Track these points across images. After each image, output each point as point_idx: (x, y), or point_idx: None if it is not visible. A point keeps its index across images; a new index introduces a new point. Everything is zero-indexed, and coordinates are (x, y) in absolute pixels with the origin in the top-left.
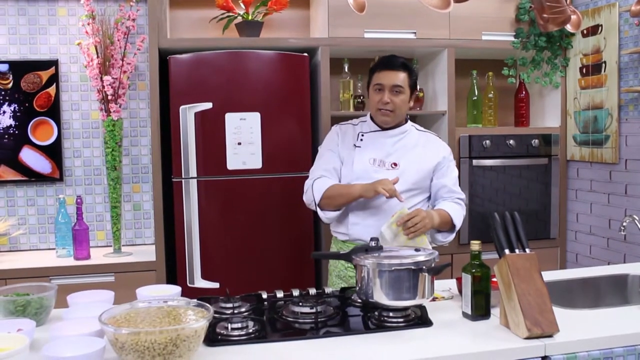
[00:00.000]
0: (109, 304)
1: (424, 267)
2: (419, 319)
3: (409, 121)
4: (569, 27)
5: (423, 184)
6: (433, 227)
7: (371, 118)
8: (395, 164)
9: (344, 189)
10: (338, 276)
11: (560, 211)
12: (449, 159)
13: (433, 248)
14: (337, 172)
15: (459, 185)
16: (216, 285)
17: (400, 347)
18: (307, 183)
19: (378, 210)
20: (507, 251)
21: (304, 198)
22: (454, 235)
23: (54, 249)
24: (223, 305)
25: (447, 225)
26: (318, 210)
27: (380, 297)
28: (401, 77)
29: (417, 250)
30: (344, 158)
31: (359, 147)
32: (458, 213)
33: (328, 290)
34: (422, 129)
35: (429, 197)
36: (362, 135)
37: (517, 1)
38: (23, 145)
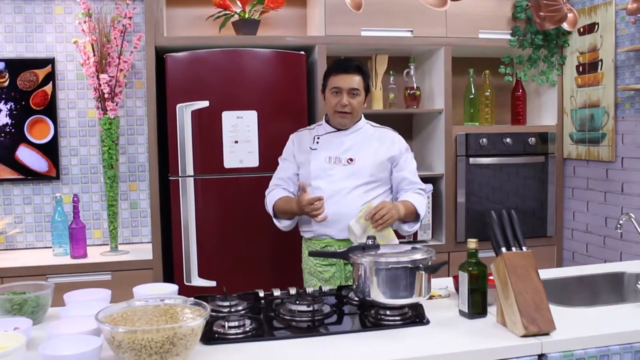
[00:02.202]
0: (105, 302)
1: (420, 265)
2: (416, 317)
3: (362, 118)
4: (565, 26)
5: (381, 175)
6: (399, 218)
7: (327, 121)
8: (351, 159)
9: (287, 206)
10: (309, 272)
11: (557, 209)
12: (406, 152)
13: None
14: (292, 180)
15: (459, 180)
16: (213, 283)
17: (397, 345)
18: (266, 193)
19: (338, 206)
20: (503, 249)
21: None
22: (419, 224)
23: (50, 247)
24: (220, 303)
25: (412, 215)
26: (274, 219)
27: (377, 295)
28: (357, 80)
29: (414, 248)
30: (302, 162)
31: (315, 149)
32: (421, 203)
33: (325, 288)
34: (377, 125)
35: (391, 190)
36: (318, 138)
37: None
38: (19, 144)
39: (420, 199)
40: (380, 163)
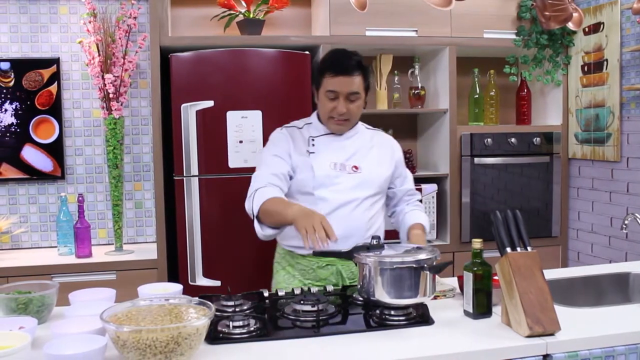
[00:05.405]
0: (110, 302)
1: (425, 265)
2: (420, 317)
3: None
4: (570, 25)
5: (385, 186)
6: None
7: (319, 120)
8: (356, 167)
9: (281, 207)
10: (303, 275)
11: (562, 209)
12: (403, 158)
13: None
14: (287, 178)
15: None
16: (218, 283)
17: (402, 345)
18: (251, 188)
19: (346, 220)
20: (508, 249)
21: (245, 205)
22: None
23: (55, 247)
24: (224, 303)
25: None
26: (255, 223)
27: (382, 295)
28: (357, 82)
29: (418, 248)
30: (299, 166)
31: (313, 152)
32: (427, 220)
33: (329, 288)
34: (370, 127)
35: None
36: (313, 139)
37: None
38: (25, 144)
39: (425, 217)
40: (386, 174)
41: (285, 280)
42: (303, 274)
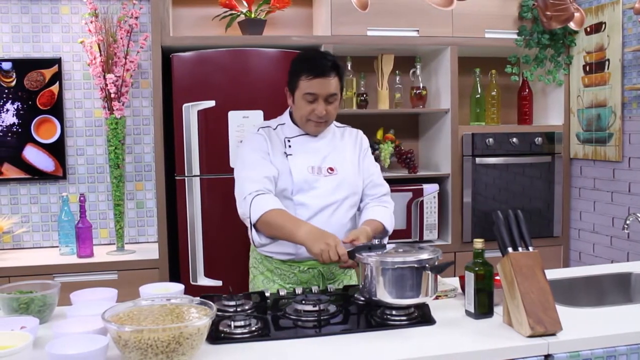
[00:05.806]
0: (112, 301)
1: (427, 265)
2: (422, 317)
3: None
4: (572, 25)
5: (360, 183)
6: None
7: (292, 120)
8: (332, 169)
9: (289, 224)
10: (279, 276)
11: (564, 209)
12: (369, 149)
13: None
14: (276, 181)
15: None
16: (219, 283)
17: (403, 345)
18: (244, 190)
19: (328, 224)
20: (510, 249)
21: (239, 209)
22: (386, 238)
23: (57, 246)
24: (226, 303)
25: (379, 233)
26: (253, 231)
27: (384, 295)
28: (334, 84)
29: (420, 248)
30: (278, 167)
31: (290, 154)
32: (389, 218)
33: (331, 288)
34: (339, 124)
35: None
36: (289, 140)
37: None
38: (26, 144)
39: (387, 214)
40: (359, 169)
41: (264, 285)
42: (283, 278)
